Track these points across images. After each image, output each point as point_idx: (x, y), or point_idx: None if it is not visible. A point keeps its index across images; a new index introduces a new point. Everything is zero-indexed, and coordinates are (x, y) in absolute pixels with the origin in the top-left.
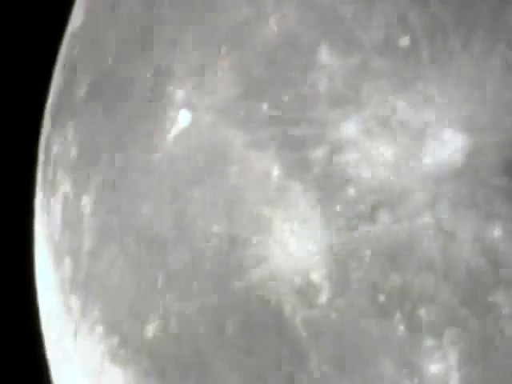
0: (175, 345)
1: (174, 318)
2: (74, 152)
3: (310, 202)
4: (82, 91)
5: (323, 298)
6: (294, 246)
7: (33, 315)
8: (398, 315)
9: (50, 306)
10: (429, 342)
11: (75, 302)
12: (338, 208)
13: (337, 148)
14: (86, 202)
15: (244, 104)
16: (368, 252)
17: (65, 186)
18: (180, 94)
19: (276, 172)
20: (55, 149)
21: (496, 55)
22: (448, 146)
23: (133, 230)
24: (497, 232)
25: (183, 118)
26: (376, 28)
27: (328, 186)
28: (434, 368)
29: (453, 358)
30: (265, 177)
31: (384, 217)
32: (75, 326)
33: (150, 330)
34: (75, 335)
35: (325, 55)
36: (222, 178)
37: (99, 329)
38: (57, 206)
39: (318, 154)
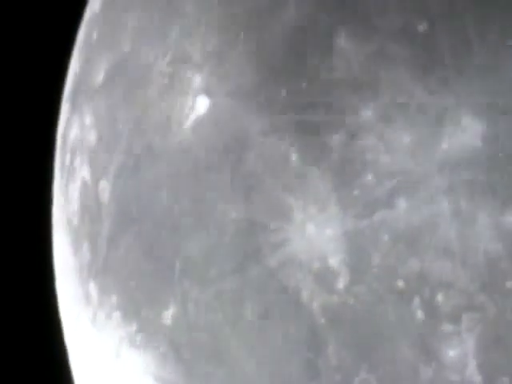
0: (193, 331)
1: (192, 303)
2: (92, 138)
3: (327, 188)
4: (99, 77)
5: (341, 283)
6: (312, 231)
7: (51, 301)
8: (416, 301)
9: (68, 292)
10: (447, 327)
11: (93, 288)
12: (355, 193)
13: (355, 133)
14: (105, 187)
15: (262, 90)
16: (386, 237)
17: (83, 172)
18: (198, 80)
19: (294, 157)
20: (73, 134)
21: None
22: (466, 132)
23: (151, 216)
24: None
25: (201, 104)
26: (394, 14)
27: (346, 171)
28: (452, 353)
29: (471, 343)
30: (283, 162)
31: (402, 202)
32: (93, 311)
33: (168, 315)
34: (93, 321)
35: (343, 41)
36: (240, 163)
37: (117, 315)
38: (75, 192)
39: (336, 139)
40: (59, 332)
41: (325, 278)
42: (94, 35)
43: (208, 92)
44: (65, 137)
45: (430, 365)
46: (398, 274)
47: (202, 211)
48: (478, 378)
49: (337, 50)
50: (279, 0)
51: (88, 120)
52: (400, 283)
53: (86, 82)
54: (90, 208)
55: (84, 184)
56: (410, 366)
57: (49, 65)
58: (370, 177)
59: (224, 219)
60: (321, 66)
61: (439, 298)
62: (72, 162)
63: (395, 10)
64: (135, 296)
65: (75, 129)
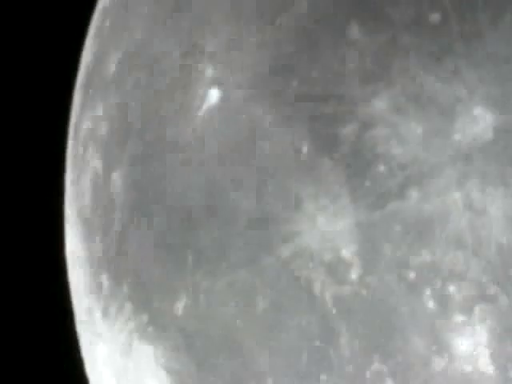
0: (204, 322)
1: (204, 295)
2: (104, 128)
3: (339, 179)
4: (111, 67)
5: (353, 274)
6: (324, 222)
7: (63, 292)
8: (427, 292)
9: (80, 283)
10: (458, 318)
11: (105, 279)
12: (367, 184)
13: (366, 124)
14: (117, 178)
15: (274, 80)
16: (398, 228)
17: (95, 163)
18: (210, 71)
19: (306, 148)
20: (85, 124)
21: None
22: (478, 123)
23: (163, 207)
24: None
25: (213, 95)
26: (406, 4)
27: (358, 162)
28: (464, 344)
29: (483, 334)
30: (294, 153)
31: (414, 193)
32: (105, 303)
33: (179, 307)
34: (105, 312)
35: (355, 32)
36: (251, 154)
37: (128, 306)
38: (87, 183)
39: (348, 130)
40: (71, 323)
41: (337, 268)
42: (107, 25)
43: (220, 83)
44: (77, 127)
45: (443, 356)
46: (409, 264)
47: (214, 202)
48: (490, 369)
49: (349, 41)
50: None
51: (100, 110)
52: (412, 274)
53: (98, 72)
54: (101, 199)
55: (96, 175)
56: (422, 356)
57: (61, 55)
58: (381, 168)
59: (236, 210)
60: (333, 57)
61: (451, 289)
62: (84, 152)
63: (407, 0)
64: (147, 287)
65: (87, 119)
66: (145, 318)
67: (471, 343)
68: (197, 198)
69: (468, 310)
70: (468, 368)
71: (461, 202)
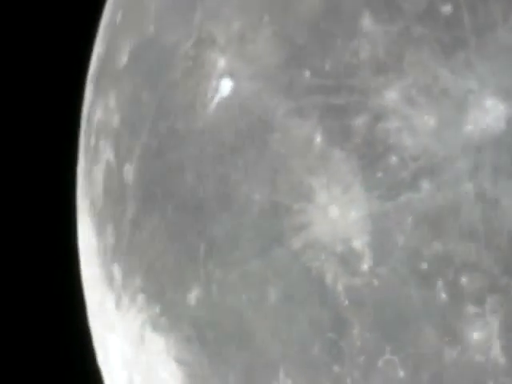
0: (217, 313)
1: (216, 286)
2: (116, 120)
3: (351, 170)
4: (123, 59)
5: (365, 265)
6: (336, 213)
7: (75, 284)
8: (439, 283)
9: (92, 274)
10: (471, 309)
11: (117, 270)
12: (379, 175)
13: (379, 116)
14: (129, 170)
15: (286, 72)
16: (410, 219)
17: (107, 154)
18: (222, 63)
19: (318, 139)
20: (97, 116)
21: None
22: (489, 114)
23: (175, 199)
24: None
25: (225, 87)
26: None
27: (370, 153)
28: (476, 335)
29: (495, 325)
30: (307, 144)
31: (426, 184)
32: (117, 294)
33: (192, 298)
34: (117, 304)
35: (367, 23)
36: (264, 145)
37: (141, 297)
38: (99, 175)
39: (360, 121)
40: (83, 315)
41: (349, 260)
42: (118, 17)
43: (232, 74)
44: (89, 119)
45: (455, 347)
46: (421, 256)
47: (227, 193)
48: (502, 360)
49: (361, 32)
50: None
51: (112, 102)
52: (424, 265)
53: (110, 64)
54: (114, 190)
55: (108, 166)
56: (434, 347)
57: (73, 47)
58: (393, 159)
59: (248, 201)
60: (345, 48)
61: (463, 280)
62: (96, 144)
63: None
64: (159, 278)
65: (99, 111)
66: (157, 308)
67: (483, 334)
68: (209, 188)
69: (480, 301)
70: (480, 359)
71: (473, 193)
